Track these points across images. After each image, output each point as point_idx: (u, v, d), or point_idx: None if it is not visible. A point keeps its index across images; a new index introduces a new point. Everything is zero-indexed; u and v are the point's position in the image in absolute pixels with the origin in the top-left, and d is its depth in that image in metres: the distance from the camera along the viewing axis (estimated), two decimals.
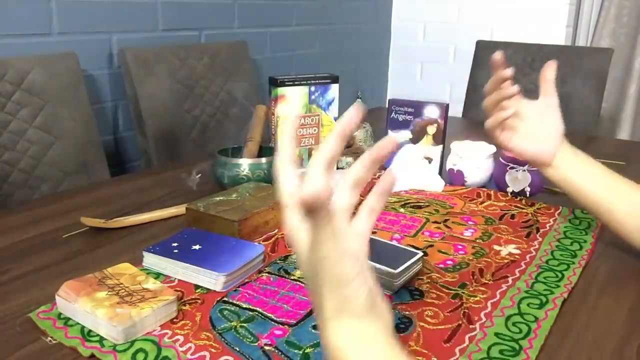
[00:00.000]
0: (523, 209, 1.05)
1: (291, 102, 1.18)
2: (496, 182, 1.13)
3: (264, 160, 1.06)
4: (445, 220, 0.98)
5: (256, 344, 0.62)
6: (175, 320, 0.66)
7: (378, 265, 0.73)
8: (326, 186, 0.40)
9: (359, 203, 0.48)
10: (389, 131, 1.24)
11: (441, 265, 0.82)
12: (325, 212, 0.41)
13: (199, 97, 1.77)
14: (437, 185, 1.14)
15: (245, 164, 1.04)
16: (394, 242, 0.86)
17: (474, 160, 1.14)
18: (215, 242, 0.81)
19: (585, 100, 1.98)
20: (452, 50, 2.84)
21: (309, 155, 1.23)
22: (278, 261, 0.82)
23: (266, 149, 1.16)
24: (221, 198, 0.95)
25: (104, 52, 1.65)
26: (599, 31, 2.58)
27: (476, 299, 0.72)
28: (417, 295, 0.73)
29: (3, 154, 1.32)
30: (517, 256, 0.85)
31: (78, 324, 0.64)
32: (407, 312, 0.69)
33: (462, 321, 0.67)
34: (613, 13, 2.55)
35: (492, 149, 1.15)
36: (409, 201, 1.07)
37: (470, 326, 0.66)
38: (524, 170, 1.08)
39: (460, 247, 0.88)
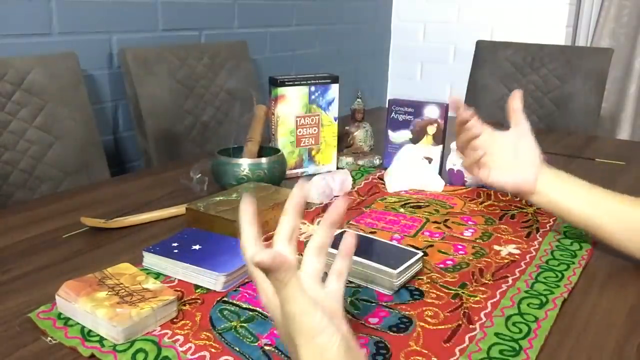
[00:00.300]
0: (523, 209, 1.05)
1: (291, 102, 1.18)
2: None
3: (264, 160, 1.06)
4: (445, 220, 0.98)
5: (256, 344, 0.62)
6: (175, 320, 0.66)
7: (378, 265, 0.73)
8: (278, 253, 0.45)
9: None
10: (389, 131, 1.25)
11: (441, 265, 0.82)
12: (283, 274, 0.45)
13: (199, 97, 1.77)
14: (437, 185, 1.14)
15: (245, 164, 1.04)
16: (394, 242, 0.86)
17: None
18: (215, 242, 0.81)
19: (585, 100, 1.98)
20: (452, 50, 2.84)
21: (309, 155, 1.23)
22: None
23: (266, 149, 1.16)
24: (221, 198, 0.95)
25: (104, 52, 1.65)
26: (599, 31, 2.58)
27: (476, 299, 0.72)
28: (417, 295, 0.73)
29: (3, 154, 1.32)
30: (517, 256, 0.85)
31: (78, 324, 0.64)
32: (407, 312, 0.69)
33: (462, 321, 0.67)
34: (613, 13, 2.55)
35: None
36: (409, 201, 1.07)
37: (470, 326, 0.66)
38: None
39: (460, 247, 0.88)
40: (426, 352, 0.61)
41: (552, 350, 0.63)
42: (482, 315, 0.69)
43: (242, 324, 0.65)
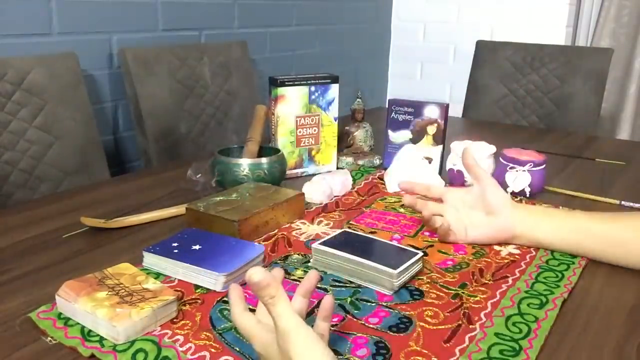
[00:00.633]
0: None
1: (291, 102, 1.18)
2: None
3: (264, 160, 1.06)
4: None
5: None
6: (175, 320, 0.66)
7: (378, 265, 0.73)
8: (268, 273, 0.50)
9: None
10: (389, 131, 1.25)
11: (441, 265, 0.82)
12: (274, 290, 0.50)
13: (199, 97, 1.77)
14: (437, 185, 1.14)
15: (245, 164, 1.04)
16: (394, 242, 0.86)
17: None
18: (215, 242, 0.81)
19: (585, 100, 1.98)
20: (452, 50, 2.84)
21: (309, 155, 1.23)
22: (278, 261, 0.82)
23: (266, 149, 1.16)
24: (221, 198, 0.95)
25: (104, 52, 1.65)
26: (599, 31, 2.58)
27: (476, 299, 0.72)
28: (417, 295, 0.73)
29: (3, 154, 1.32)
30: (517, 256, 0.85)
31: (78, 324, 0.64)
32: (407, 312, 0.69)
33: (462, 321, 0.67)
34: (613, 13, 2.55)
35: (492, 149, 1.15)
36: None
37: (470, 326, 0.66)
38: (524, 170, 1.08)
39: (460, 247, 0.88)
40: (426, 352, 0.61)
41: (552, 350, 0.63)
42: (482, 315, 0.69)
43: None
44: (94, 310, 0.63)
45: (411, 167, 1.15)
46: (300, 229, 0.94)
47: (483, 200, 0.87)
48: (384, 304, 0.71)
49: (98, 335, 0.63)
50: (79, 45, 1.55)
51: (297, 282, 0.76)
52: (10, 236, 0.89)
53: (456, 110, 2.20)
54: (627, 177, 1.28)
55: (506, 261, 0.83)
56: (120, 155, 1.76)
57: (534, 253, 0.86)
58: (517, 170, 1.08)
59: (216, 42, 1.94)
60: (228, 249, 0.79)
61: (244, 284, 0.74)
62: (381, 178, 1.19)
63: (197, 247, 0.79)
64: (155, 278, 0.74)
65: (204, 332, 0.64)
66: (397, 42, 3.01)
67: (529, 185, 1.08)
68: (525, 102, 2.09)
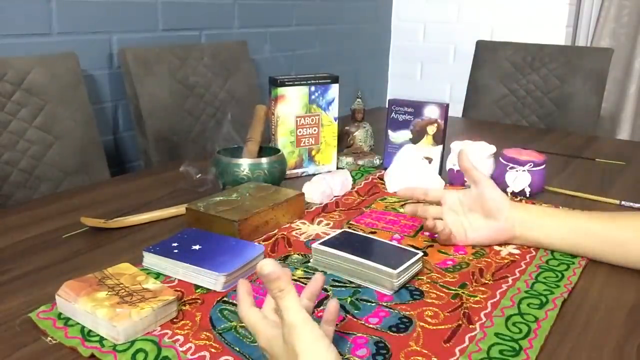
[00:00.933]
0: None
1: (291, 102, 1.18)
2: (496, 182, 1.12)
3: (264, 160, 1.06)
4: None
5: (256, 343, 0.62)
6: (175, 320, 0.66)
7: (378, 265, 0.73)
8: (279, 266, 0.51)
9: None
10: (389, 131, 1.25)
11: (441, 265, 0.82)
12: (284, 283, 0.50)
13: (199, 97, 1.77)
14: (437, 185, 1.14)
15: (245, 164, 1.04)
16: (394, 242, 0.86)
17: (474, 160, 1.14)
18: (215, 242, 0.81)
19: (585, 100, 1.98)
20: (452, 50, 2.84)
21: (309, 155, 1.23)
22: (278, 261, 0.82)
23: (266, 149, 1.15)
24: (221, 198, 0.95)
25: (104, 52, 1.65)
26: (599, 31, 2.58)
27: (476, 299, 0.72)
28: (417, 295, 0.73)
29: (3, 154, 1.32)
30: (517, 256, 0.85)
31: (78, 324, 0.64)
32: (407, 312, 0.69)
33: (462, 321, 0.67)
34: (613, 13, 2.55)
35: (492, 148, 1.15)
36: (409, 201, 1.07)
37: (470, 326, 0.66)
38: (524, 170, 1.08)
39: (460, 247, 0.88)
40: (426, 352, 0.61)
41: (552, 350, 0.63)
42: (482, 315, 0.69)
43: (242, 324, 0.65)
44: (94, 310, 0.63)
45: (411, 167, 1.15)
46: (300, 229, 0.94)
47: (481, 203, 0.87)
48: (384, 304, 0.71)
49: (98, 335, 0.63)
50: (79, 45, 1.55)
51: (297, 282, 0.76)
52: (10, 236, 0.89)
53: (456, 110, 2.20)
54: (627, 177, 1.28)
55: (506, 261, 0.83)
56: (120, 155, 1.76)
57: (534, 253, 0.86)
58: (517, 170, 1.08)
59: (216, 42, 1.94)
60: (228, 249, 0.79)
61: None
62: (381, 178, 1.19)
63: (197, 247, 0.79)
64: (155, 278, 0.74)
65: (204, 332, 0.64)
66: (397, 42, 3.01)
67: (529, 185, 1.08)
68: (525, 102, 2.09)
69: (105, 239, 0.89)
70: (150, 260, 0.78)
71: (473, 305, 0.71)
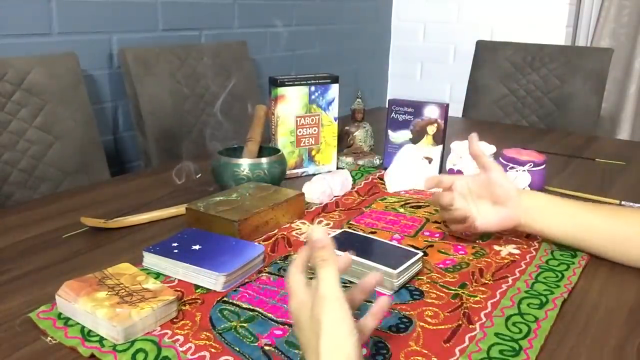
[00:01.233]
0: None
1: (291, 102, 1.18)
2: None
3: (264, 160, 1.06)
4: (446, 220, 0.98)
5: (256, 344, 0.62)
6: (175, 320, 0.66)
7: (378, 265, 0.73)
8: (327, 237, 0.52)
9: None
10: (389, 131, 1.25)
11: (441, 265, 0.82)
12: (327, 253, 0.51)
13: (199, 97, 1.77)
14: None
15: (245, 164, 1.04)
16: (394, 242, 0.86)
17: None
18: (215, 242, 0.81)
19: (585, 100, 1.98)
20: (452, 50, 2.84)
21: (309, 155, 1.23)
22: (278, 261, 0.82)
23: (266, 149, 1.15)
24: (221, 198, 0.95)
25: (104, 52, 1.65)
26: (599, 31, 2.58)
27: (476, 299, 0.72)
28: (417, 295, 0.73)
29: (3, 154, 1.32)
30: (517, 256, 0.85)
31: (78, 324, 0.64)
32: (407, 312, 0.69)
33: (462, 321, 0.67)
34: (613, 13, 2.55)
35: (492, 148, 1.15)
36: (409, 201, 1.07)
37: (470, 326, 0.66)
38: (524, 171, 1.08)
39: (460, 247, 0.88)
40: (426, 352, 0.61)
41: (552, 350, 0.63)
42: (482, 315, 0.69)
43: (242, 324, 0.65)
44: (94, 310, 0.63)
45: (411, 167, 1.15)
46: (300, 229, 0.94)
47: (490, 189, 0.86)
48: None
49: (98, 335, 0.63)
50: (79, 45, 1.55)
51: None
52: (10, 236, 0.89)
53: (456, 110, 2.20)
54: (627, 177, 1.28)
55: (506, 261, 0.83)
56: (120, 155, 1.76)
57: (534, 253, 0.86)
58: (517, 170, 1.08)
59: (216, 42, 1.94)
60: (228, 249, 0.79)
61: (244, 284, 0.74)
62: (381, 178, 1.19)
63: (197, 247, 0.79)
64: (155, 278, 0.74)
65: (204, 332, 0.64)
66: (397, 42, 3.01)
67: (529, 185, 1.08)
68: (525, 102, 2.09)
69: (105, 239, 0.89)
70: (150, 260, 0.78)
71: (473, 305, 0.71)
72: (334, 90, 1.22)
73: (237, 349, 0.61)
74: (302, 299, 0.53)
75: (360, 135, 1.31)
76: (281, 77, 1.18)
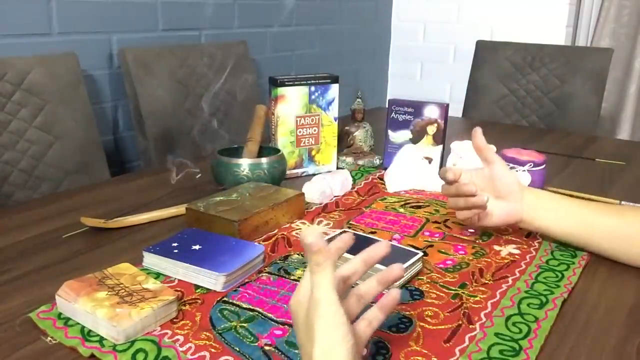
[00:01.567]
0: None
1: (291, 102, 1.18)
2: None
3: (264, 160, 1.06)
4: (445, 220, 0.98)
5: (256, 344, 0.62)
6: (175, 320, 0.66)
7: (378, 265, 0.73)
8: (323, 241, 0.49)
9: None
10: (389, 131, 1.25)
11: (441, 265, 0.82)
12: (322, 258, 0.49)
13: (199, 97, 1.77)
14: (437, 185, 1.14)
15: (245, 164, 1.04)
16: (394, 242, 0.86)
17: (474, 160, 1.14)
18: (215, 242, 0.81)
19: (585, 100, 1.98)
20: (452, 50, 2.84)
21: (309, 155, 1.23)
22: (278, 261, 0.82)
23: (266, 149, 1.16)
24: (221, 198, 0.95)
25: (104, 52, 1.65)
26: (599, 31, 2.58)
27: (476, 299, 0.72)
28: (417, 295, 0.73)
29: (3, 154, 1.32)
30: (517, 256, 0.85)
31: (78, 324, 0.64)
32: (407, 312, 0.69)
33: (462, 321, 0.67)
34: (613, 13, 2.55)
35: (492, 149, 1.14)
36: (409, 201, 1.07)
37: (470, 326, 0.66)
38: (524, 170, 1.08)
39: (460, 247, 0.88)
40: (426, 352, 0.61)
41: (552, 350, 0.63)
42: (482, 315, 0.69)
43: (242, 324, 0.65)
44: (94, 310, 0.63)
45: (411, 167, 1.15)
46: (300, 229, 0.94)
47: (493, 183, 0.86)
48: None
49: (98, 335, 0.63)
50: (79, 45, 1.55)
51: (297, 282, 0.76)
52: (10, 236, 0.89)
53: (456, 110, 2.20)
54: (627, 177, 1.28)
55: (506, 261, 0.83)
56: (120, 155, 1.76)
57: (534, 253, 0.86)
58: (517, 170, 1.08)
59: (216, 42, 1.94)
60: (228, 249, 0.79)
61: (244, 284, 0.74)
62: (381, 178, 1.19)
63: (197, 247, 0.79)
64: (155, 278, 0.74)
65: (204, 332, 0.64)
66: (397, 42, 3.01)
67: (529, 185, 1.08)
68: (525, 102, 2.09)
69: (105, 239, 0.89)
70: (150, 260, 0.78)
71: (473, 305, 0.71)
72: (334, 90, 1.22)
73: (237, 349, 0.61)
74: (299, 299, 0.53)
75: (360, 135, 1.31)
76: (281, 77, 1.18)
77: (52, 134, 1.40)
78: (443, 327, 0.66)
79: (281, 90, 1.17)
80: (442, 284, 0.76)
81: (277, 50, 2.27)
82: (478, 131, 0.89)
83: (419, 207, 1.05)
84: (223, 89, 1.84)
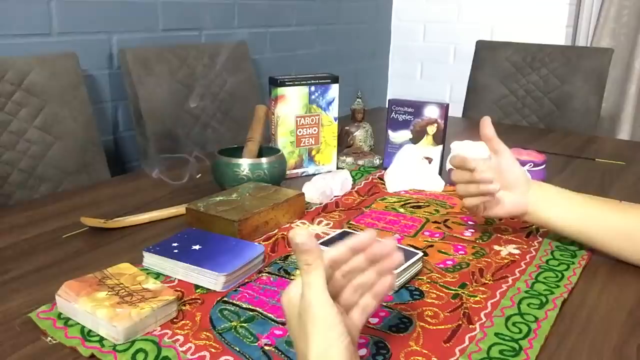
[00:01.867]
0: None
1: (291, 102, 1.18)
2: None
3: (264, 160, 1.06)
4: (445, 220, 0.98)
5: (256, 344, 0.62)
6: (175, 320, 0.66)
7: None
8: (312, 240, 0.49)
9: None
10: (389, 131, 1.25)
11: (441, 265, 0.82)
12: (311, 258, 0.48)
13: (199, 97, 1.77)
14: (437, 185, 1.14)
15: (245, 164, 1.04)
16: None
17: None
18: (215, 242, 0.81)
19: (585, 100, 1.98)
20: (452, 50, 2.84)
21: (309, 155, 1.23)
22: (278, 261, 0.82)
23: (266, 149, 1.15)
24: (221, 198, 0.95)
25: (104, 52, 1.65)
26: (599, 31, 2.58)
27: (476, 299, 0.72)
28: (417, 295, 0.73)
29: (3, 154, 1.32)
30: (517, 256, 0.85)
31: (78, 324, 0.64)
32: (407, 312, 0.69)
33: (462, 321, 0.67)
34: (613, 13, 2.55)
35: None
36: (409, 201, 1.07)
37: (470, 326, 0.66)
38: (524, 171, 1.08)
39: (460, 247, 0.88)
40: (426, 352, 0.61)
41: (552, 350, 0.63)
42: (482, 315, 0.69)
43: (242, 324, 0.65)
44: (94, 310, 0.63)
45: (411, 167, 1.15)
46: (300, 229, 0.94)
47: (499, 174, 0.86)
48: (384, 304, 0.71)
49: (98, 335, 0.63)
50: (79, 45, 1.55)
51: None
52: (10, 236, 0.89)
53: (456, 110, 2.20)
54: (627, 177, 1.28)
55: (506, 261, 0.83)
56: (120, 155, 1.76)
57: (534, 253, 0.86)
58: None
59: (216, 42, 1.94)
60: (228, 249, 0.79)
61: (244, 284, 0.74)
62: (381, 178, 1.19)
63: (197, 247, 0.79)
64: (155, 278, 0.74)
65: (204, 332, 0.64)
66: (397, 42, 3.01)
67: None
68: (525, 102, 2.09)
69: (105, 239, 0.89)
70: (150, 260, 0.78)
71: (473, 305, 0.71)
72: (334, 90, 1.22)
73: (237, 349, 0.61)
74: (290, 296, 0.51)
75: (360, 135, 1.31)
76: (281, 77, 1.18)
77: (52, 134, 1.40)
78: (443, 327, 0.66)
79: (281, 90, 1.17)
80: (442, 284, 0.76)
81: (277, 50, 2.27)
82: (487, 120, 0.88)
83: (419, 207, 1.05)
84: (223, 89, 1.84)
